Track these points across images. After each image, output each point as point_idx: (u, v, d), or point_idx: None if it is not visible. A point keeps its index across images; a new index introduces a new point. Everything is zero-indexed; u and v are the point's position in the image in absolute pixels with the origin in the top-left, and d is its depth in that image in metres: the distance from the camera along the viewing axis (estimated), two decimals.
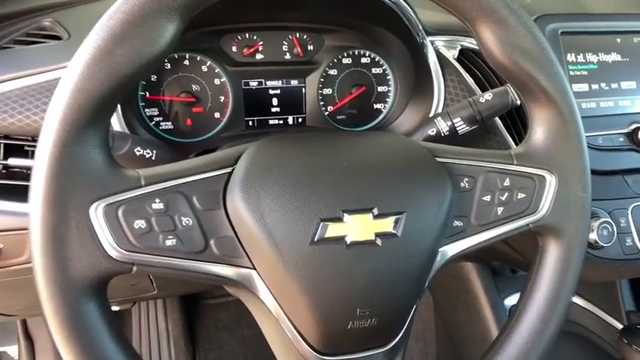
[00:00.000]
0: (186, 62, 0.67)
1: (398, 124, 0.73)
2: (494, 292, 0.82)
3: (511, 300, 0.88)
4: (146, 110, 0.67)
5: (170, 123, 0.68)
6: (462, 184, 0.46)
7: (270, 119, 0.72)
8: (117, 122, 0.60)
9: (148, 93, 0.66)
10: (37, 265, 0.35)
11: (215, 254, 0.40)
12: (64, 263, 0.35)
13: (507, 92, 0.57)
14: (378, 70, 0.73)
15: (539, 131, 0.48)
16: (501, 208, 0.46)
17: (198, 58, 0.67)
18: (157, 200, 0.38)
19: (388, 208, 0.41)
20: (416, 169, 0.44)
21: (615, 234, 0.63)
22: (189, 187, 0.39)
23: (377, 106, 0.75)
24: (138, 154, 0.53)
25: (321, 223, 0.39)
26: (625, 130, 0.69)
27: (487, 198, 0.46)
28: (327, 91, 0.73)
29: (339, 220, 0.40)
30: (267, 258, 0.39)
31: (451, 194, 0.44)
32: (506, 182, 0.47)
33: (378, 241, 0.41)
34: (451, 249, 0.45)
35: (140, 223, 0.37)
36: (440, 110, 0.67)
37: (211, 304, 1.22)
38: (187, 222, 0.39)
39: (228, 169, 0.41)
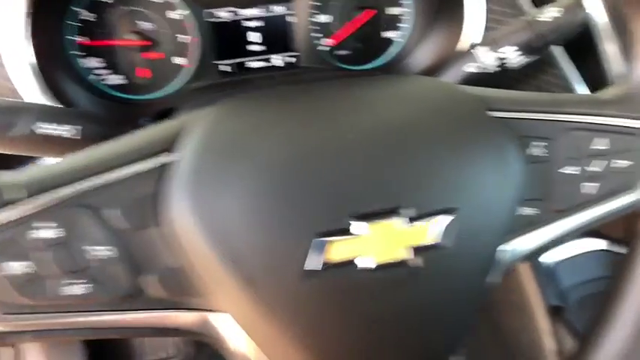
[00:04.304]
0: None
1: (415, 60, 0.56)
2: None
3: (548, 256, 0.75)
4: (83, 61, 0.50)
5: (120, 76, 0.52)
6: (533, 151, 0.31)
7: (251, 61, 0.55)
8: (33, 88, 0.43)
9: (85, 38, 0.50)
10: None
11: (153, 297, 0.26)
12: None
13: (581, 5, 0.40)
14: None
15: None
16: (591, 184, 0.32)
17: None
18: (51, 223, 0.24)
19: (428, 204, 0.27)
20: (462, 133, 0.29)
21: None
22: (100, 194, 0.25)
23: (386, 34, 0.57)
24: (43, 132, 0.36)
25: (315, 241, 0.25)
26: None
27: (570, 170, 0.31)
28: (323, 18, 0.55)
29: (348, 232, 0.25)
30: (238, 299, 0.25)
31: (517, 168, 0.29)
32: (600, 144, 0.31)
33: (415, 261, 0.26)
34: (520, 247, 0.31)
35: (22, 267, 0.23)
36: (477, 38, 0.50)
37: None
38: (103, 253, 0.24)
39: (162, 159, 0.26)
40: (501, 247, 0.30)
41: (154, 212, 0.26)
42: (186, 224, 0.25)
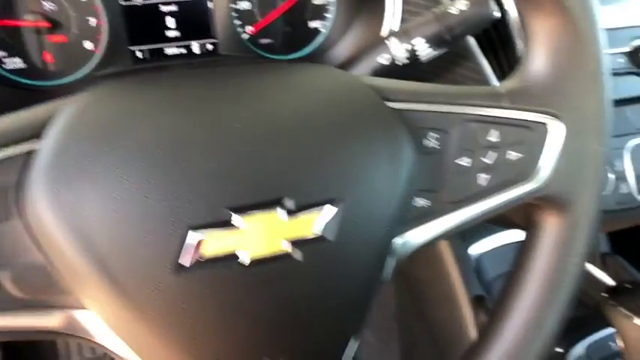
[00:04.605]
0: None
1: (340, 50, 0.55)
2: (460, 244, 0.71)
3: (475, 249, 0.78)
4: None
5: (19, 59, 0.48)
6: (428, 142, 0.31)
7: (167, 47, 0.53)
8: None
9: None
10: None
11: (10, 296, 0.24)
12: None
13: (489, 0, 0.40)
14: None
15: (541, 55, 0.32)
16: (485, 176, 0.32)
17: None
18: None
19: (311, 196, 0.26)
20: (354, 123, 0.29)
21: (612, 181, 0.50)
22: None
23: (313, 24, 0.56)
24: None
25: (191, 234, 0.24)
26: (626, 49, 0.54)
27: (464, 161, 0.32)
28: (244, 4, 0.53)
29: (226, 224, 0.24)
30: (103, 298, 0.24)
31: (411, 160, 0.29)
32: (493, 135, 0.32)
33: (297, 254, 0.25)
34: (413, 239, 0.31)
35: None
36: (396, 28, 0.50)
37: None
38: None
39: (25, 146, 0.24)
40: (394, 239, 0.30)
41: (12, 203, 0.23)
42: (45, 217, 0.23)
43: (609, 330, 0.66)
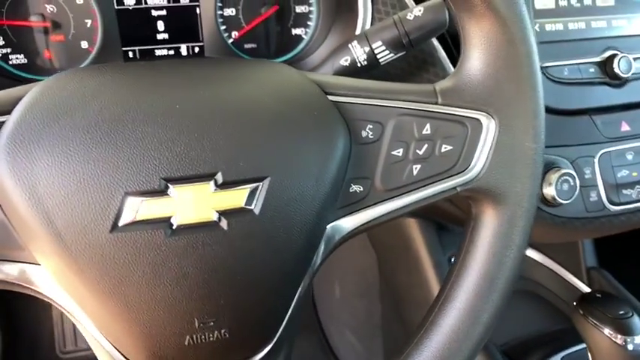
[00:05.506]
0: None
1: (319, 55, 0.58)
2: (438, 251, 0.71)
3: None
4: None
5: (22, 56, 0.53)
6: (364, 133, 0.33)
7: (157, 49, 0.57)
8: None
9: None
10: None
11: None
12: None
13: (443, 7, 0.43)
14: None
15: (474, 56, 0.34)
16: (418, 166, 0.34)
17: None
18: None
19: (240, 172, 0.28)
20: (292, 111, 0.31)
21: (578, 188, 0.51)
22: None
23: (296, 31, 0.60)
24: None
25: (128, 199, 0.27)
26: (597, 59, 0.55)
27: (398, 152, 0.34)
28: (230, 11, 0.57)
29: (160, 192, 0.27)
30: (50, 253, 0.27)
31: (344, 148, 0.32)
32: (427, 129, 0.34)
33: (223, 223, 0.28)
34: (346, 223, 0.33)
35: None
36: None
37: None
38: None
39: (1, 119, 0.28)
40: (326, 223, 0.32)
41: None
42: (3, 178, 0.27)
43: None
